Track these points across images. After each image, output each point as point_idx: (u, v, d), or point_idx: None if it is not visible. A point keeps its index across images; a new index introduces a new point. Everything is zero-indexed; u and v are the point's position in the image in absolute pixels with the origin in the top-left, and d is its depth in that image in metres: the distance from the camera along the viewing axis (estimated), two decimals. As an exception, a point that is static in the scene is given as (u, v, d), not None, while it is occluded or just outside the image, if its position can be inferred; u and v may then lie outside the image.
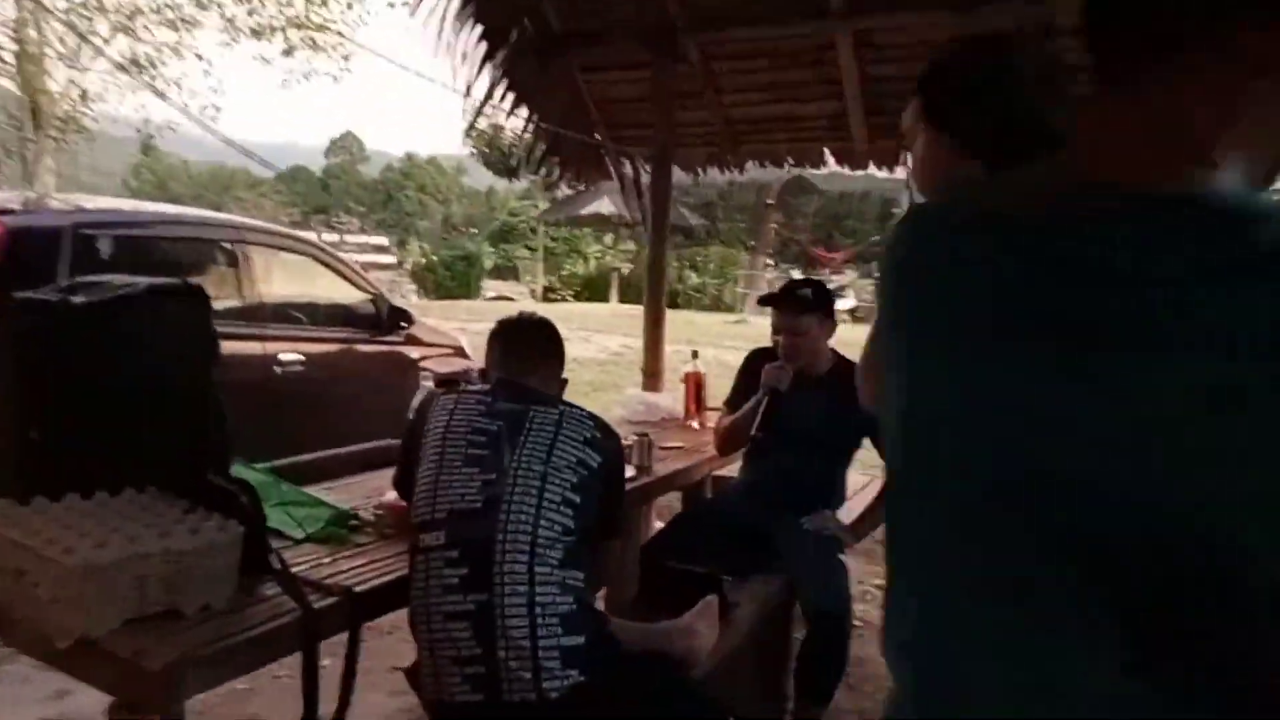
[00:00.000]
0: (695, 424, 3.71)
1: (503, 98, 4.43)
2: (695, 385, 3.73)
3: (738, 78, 4.57)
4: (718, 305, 20.17)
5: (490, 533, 1.72)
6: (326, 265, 5.41)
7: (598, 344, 11.06)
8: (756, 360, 3.03)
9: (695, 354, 3.76)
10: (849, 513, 3.03)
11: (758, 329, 14.41)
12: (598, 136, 5.00)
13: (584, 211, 18.88)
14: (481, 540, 1.72)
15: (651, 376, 4.48)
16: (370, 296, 5.56)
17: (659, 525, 3.33)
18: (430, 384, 2.71)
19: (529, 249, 28.97)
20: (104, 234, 4.13)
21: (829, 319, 2.96)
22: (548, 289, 22.80)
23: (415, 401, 2.17)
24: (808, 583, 2.67)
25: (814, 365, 2.92)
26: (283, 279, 5.45)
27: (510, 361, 2.06)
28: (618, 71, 4.80)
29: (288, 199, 58.46)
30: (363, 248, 23.96)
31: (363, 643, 1.69)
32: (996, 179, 0.90)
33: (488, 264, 27.07)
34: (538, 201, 26.96)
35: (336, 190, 64.34)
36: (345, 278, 5.47)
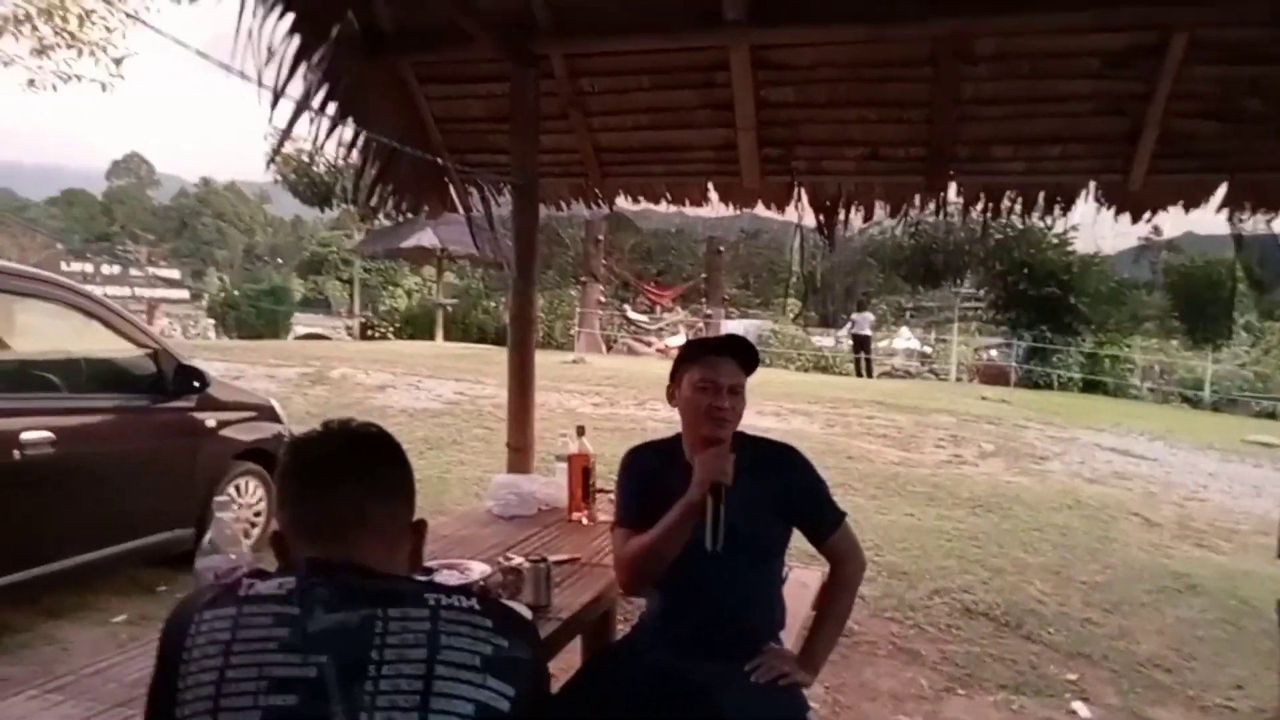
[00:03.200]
0: (584, 518, 2.98)
1: (322, 107, 3.55)
2: (582, 470, 3.00)
3: (610, 98, 3.93)
4: (549, 342, 19.46)
5: None
6: (89, 314, 4.23)
7: (429, 390, 10.00)
8: (645, 460, 2.28)
9: (581, 430, 3.02)
10: (790, 632, 2.39)
11: (599, 371, 13.79)
12: (440, 160, 4.20)
13: (405, 244, 17.61)
14: None
15: (519, 452, 3.68)
16: (149, 351, 4.42)
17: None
18: (201, 568, 1.76)
19: (341, 281, 27.16)
20: None
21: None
22: (365, 325, 21.20)
23: (168, 616, 1.20)
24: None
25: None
26: (25, 333, 4.24)
27: (323, 523, 1.21)
28: (466, 84, 4.03)
29: (63, 225, 52.92)
30: (151, 281, 21.40)
31: None
32: None
33: (296, 297, 25.09)
34: (351, 232, 25.26)
35: (122, 216, 58.80)
36: (115, 329, 4.31)
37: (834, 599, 2.23)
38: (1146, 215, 3.65)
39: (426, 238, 16.58)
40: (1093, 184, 3.63)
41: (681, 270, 28.79)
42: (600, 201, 4.26)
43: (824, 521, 2.20)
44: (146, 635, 1.84)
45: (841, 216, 4.00)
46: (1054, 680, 3.91)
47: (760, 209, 4.12)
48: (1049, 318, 19.57)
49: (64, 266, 22.34)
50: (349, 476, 1.22)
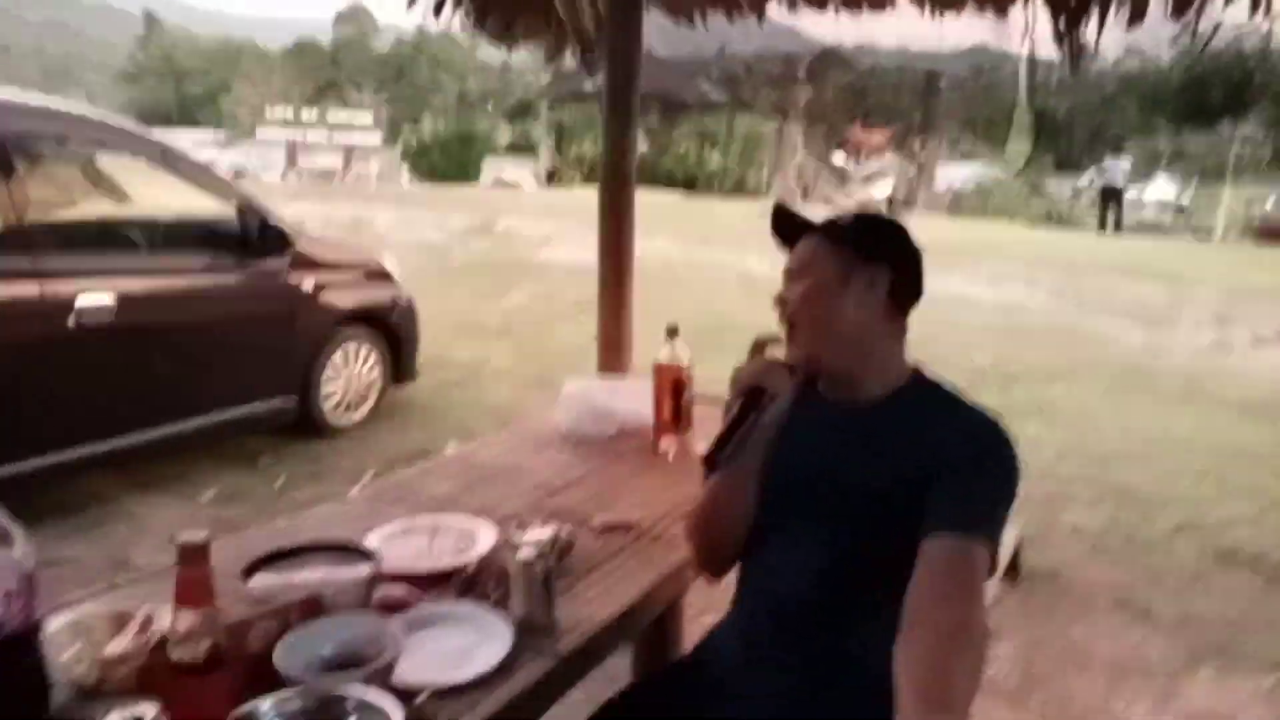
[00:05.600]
0: (670, 451, 2.14)
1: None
2: (671, 385, 2.14)
3: None
4: (739, 190, 18.20)
5: None
6: (165, 166, 3.76)
7: (594, 245, 9.36)
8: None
9: (673, 332, 2.14)
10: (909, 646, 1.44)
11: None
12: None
13: (588, 87, 16.63)
14: None
15: (611, 349, 2.85)
16: (236, 208, 3.92)
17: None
18: None
19: (549, 128, 26.85)
20: None
21: (870, 270, 1.32)
22: (551, 173, 20.66)
23: None
24: None
25: (854, 373, 1.35)
26: (94, 189, 3.85)
27: None
28: None
29: (296, 75, 56.06)
30: (347, 127, 21.85)
31: None
32: None
33: (503, 141, 25.01)
34: (541, 74, 24.55)
35: (347, 65, 61.51)
36: (196, 183, 3.83)
37: (903, 649, 1.11)
38: None
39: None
40: None
41: (898, 113, 25.89)
42: (744, 8, 3.15)
43: (942, 515, 1.19)
44: (226, 515, 1.43)
45: (1093, 22, 2.68)
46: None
47: (976, 26, 2.87)
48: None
49: (279, 113, 23.24)
50: None
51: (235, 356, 3.82)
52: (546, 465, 2.09)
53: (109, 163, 3.86)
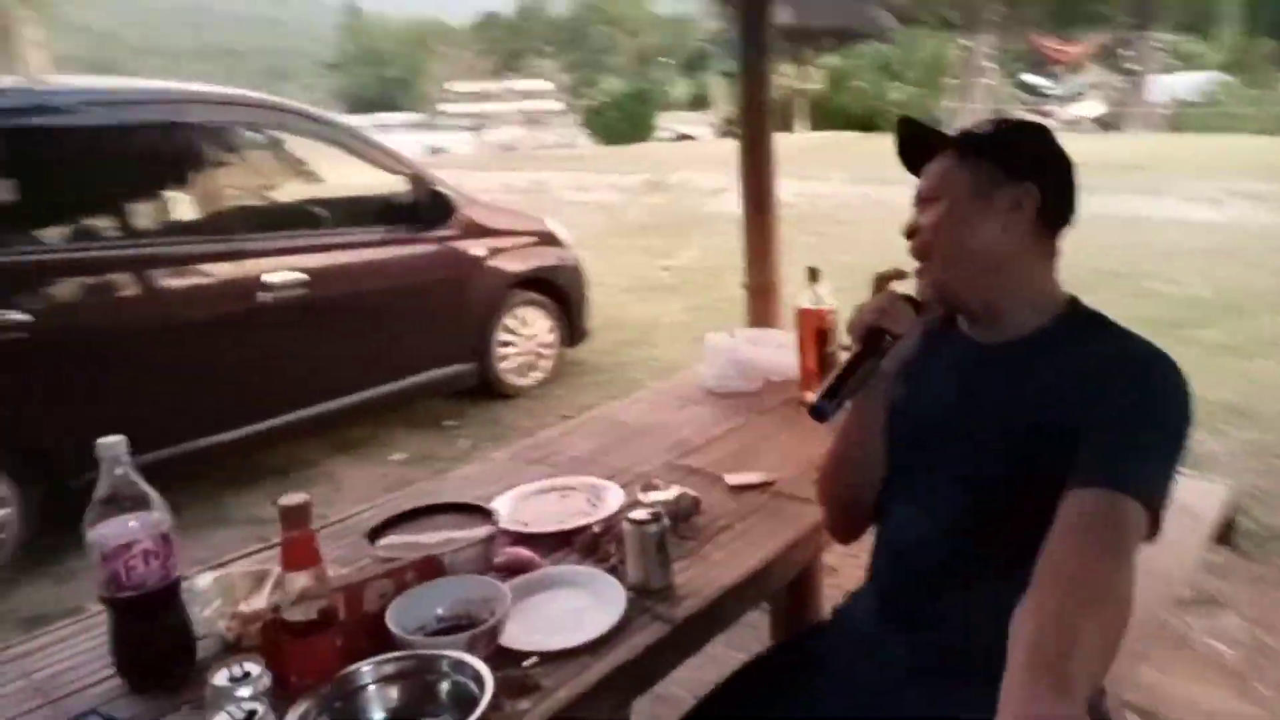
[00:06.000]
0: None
1: None
2: (815, 334, 2.02)
3: None
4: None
5: None
6: (348, 149, 4.00)
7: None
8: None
9: (814, 274, 2.01)
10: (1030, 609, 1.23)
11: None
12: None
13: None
14: None
15: (760, 295, 2.73)
16: (407, 180, 4.11)
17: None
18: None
19: (724, 75, 26.42)
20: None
21: (1015, 188, 1.16)
22: (727, 122, 20.31)
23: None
24: None
25: (997, 305, 1.20)
26: (282, 173, 4.13)
27: None
28: None
29: (483, 48, 58.23)
30: (528, 95, 22.48)
31: None
32: None
33: (679, 95, 24.87)
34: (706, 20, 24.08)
35: (529, 33, 63.41)
36: (367, 158, 4.05)
37: (1023, 612, 0.94)
38: None
39: (784, 15, 14.84)
40: None
41: (1113, 19, 23.13)
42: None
43: (1091, 464, 1.02)
44: (414, 478, 1.59)
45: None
46: None
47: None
48: None
49: (463, 88, 24.16)
50: None
51: (413, 324, 4.03)
52: (688, 422, 2.05)
53: (300, 147, 4.10)
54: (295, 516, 1.06)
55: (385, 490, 2.80)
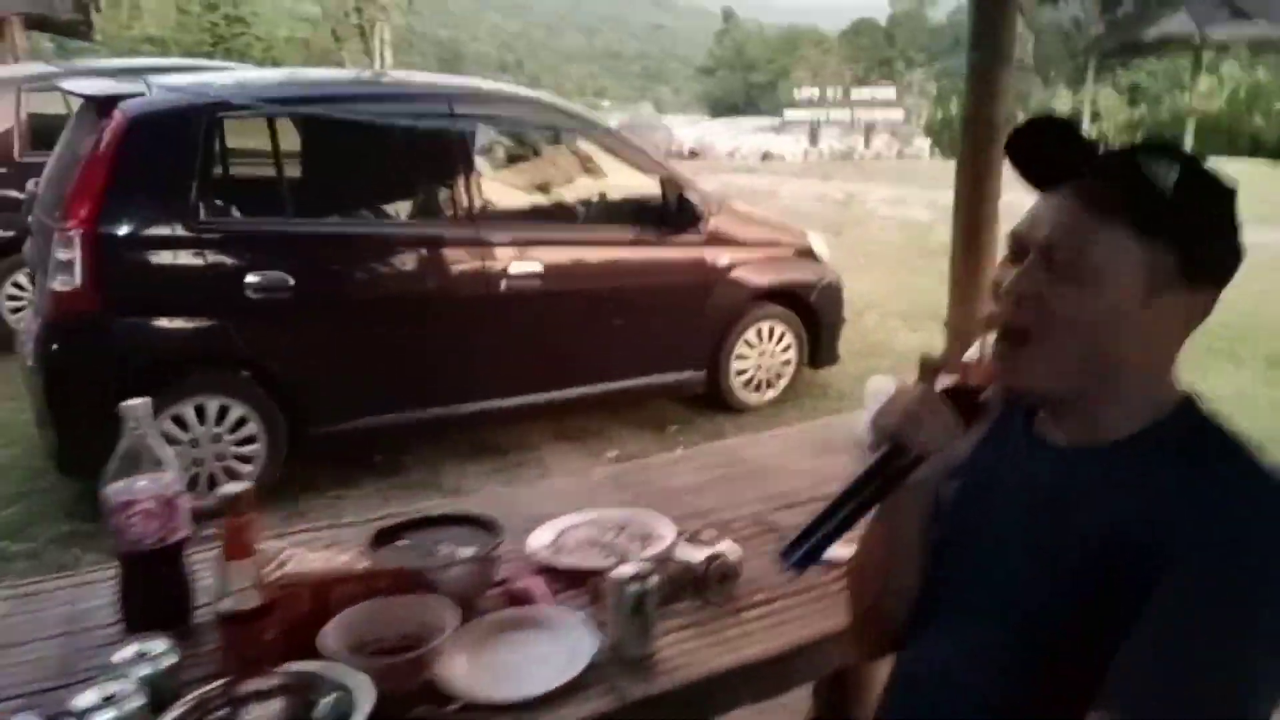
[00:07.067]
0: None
1: None
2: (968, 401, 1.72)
3: None
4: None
5: None
6: (608, 149, 4.14)
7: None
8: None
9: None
10: None
11: None
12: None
13: (1148, 36, 14.01)
14: None
15: (959, 337, 2.37)
16: (663, 180, 4.14)
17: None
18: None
19: (1119, 90, 23.81)
20: (251, 116, 3.44)
21: (1194, 297, 0.85)
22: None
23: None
24: None
25: (1092, 401, 0.89)
26: (535, 169, 4.34)
27: None
28: None
29: (850, 56, 57.80)
30: (869, 104, 21.75)
31: None
32: None
33: (1062, 108, 22.79)
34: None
35: (901, 40, 61.78)
36: (631, 162, 4.15)
37: None
38: None
39: (1176, 23, 12.67)
40: None
41: None
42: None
43: (1128, 672, 0.76)
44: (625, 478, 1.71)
45: None
46: None
47: None
48: None
49: (806, 95, 24.05)
50: None
51: (646, 326, 4.04)
52: (811, 472, 1.82)
53: (586, 145, 4.27)
54: (234, 506, 1.10)
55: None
